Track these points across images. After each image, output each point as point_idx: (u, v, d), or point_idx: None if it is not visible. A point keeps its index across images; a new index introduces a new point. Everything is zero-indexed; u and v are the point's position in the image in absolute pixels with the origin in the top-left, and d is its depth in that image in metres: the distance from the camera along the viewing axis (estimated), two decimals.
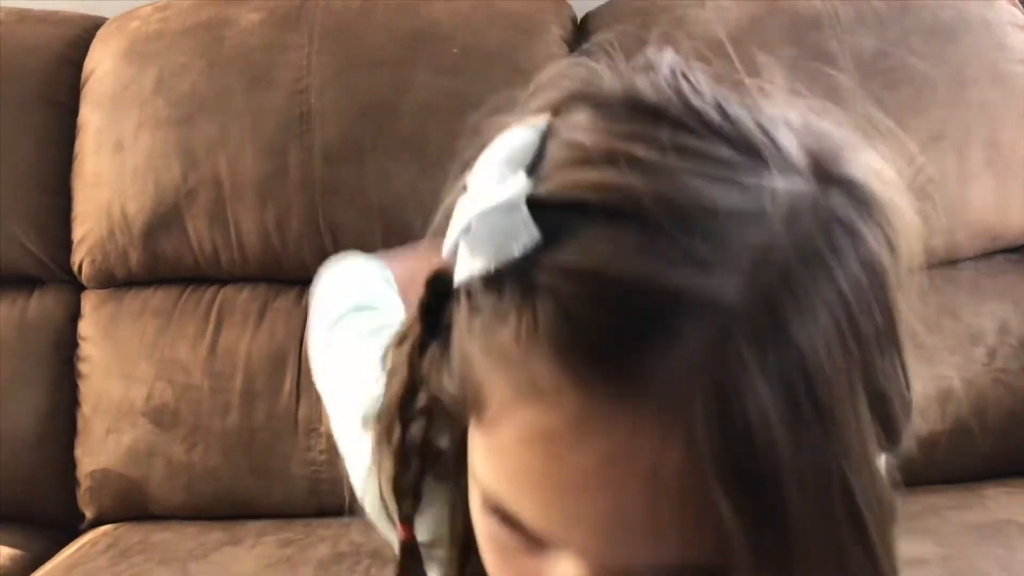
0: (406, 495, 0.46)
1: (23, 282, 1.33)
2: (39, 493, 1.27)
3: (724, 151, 0.35)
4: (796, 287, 0.34)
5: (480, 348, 0.37)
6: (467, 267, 0.37)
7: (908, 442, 0.39)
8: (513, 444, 0.36)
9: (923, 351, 1.37)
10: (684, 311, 0.33)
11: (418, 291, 0.43)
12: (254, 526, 1.17)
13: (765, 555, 0.35)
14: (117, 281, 1.31)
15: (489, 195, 0.36)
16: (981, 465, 1.22)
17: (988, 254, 1.32)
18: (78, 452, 1.26)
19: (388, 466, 0.46)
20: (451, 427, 0.44)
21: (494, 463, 0.38)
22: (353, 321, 0.65)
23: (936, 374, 1.23)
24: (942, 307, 1.28)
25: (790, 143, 0.36)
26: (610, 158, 0.35)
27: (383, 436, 0.46)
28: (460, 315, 0.38)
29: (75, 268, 1.31)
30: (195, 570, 1.07)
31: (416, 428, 0.45)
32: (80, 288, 1.32)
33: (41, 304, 1.32)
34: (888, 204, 0.37)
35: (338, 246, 1.25)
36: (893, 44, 1.29)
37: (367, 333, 0.62)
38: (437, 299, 0.41)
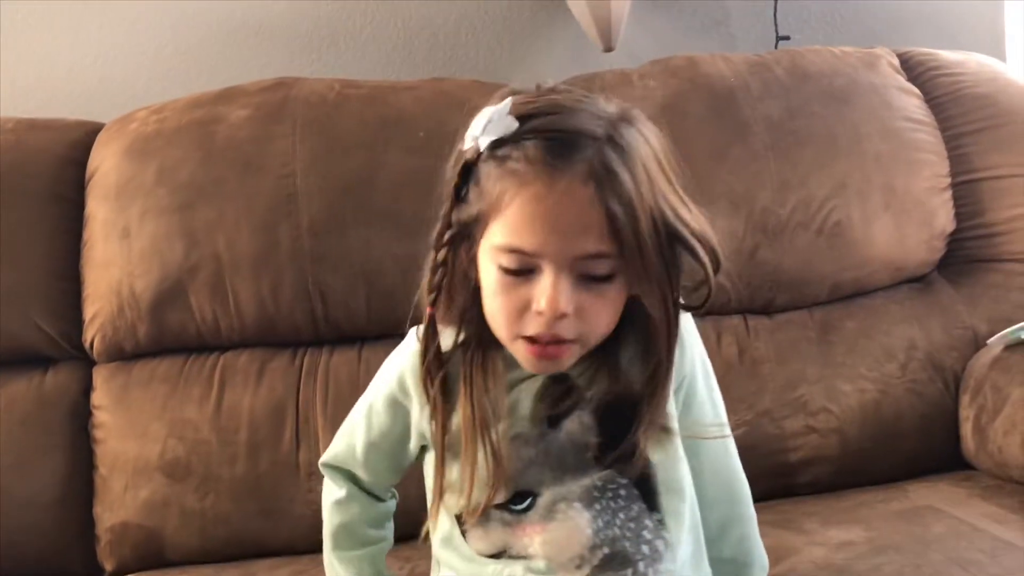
0: (437, 291, 0.86)
1: (39, 360, 1.43)
2: (61, 552, 1.35)
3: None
4: (625, 130, 0.82)
5: (499, 174, 0.80)
6: (486, 141, 0.81)
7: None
8: (519, 209, 0.79)
9: (844, 368, 1.57)
10: (585, 137, 0.80)
11: None
12: (265, 563, 1.28)
13: (635, 241, 0.79)
14: (126, 354, 1.41)
15: (490, 113, 0.82)
16: (904, 465, 1.37)
17: (894, 284, 1.49)
18: (97, 509, 1.35)
19: (428, 276, 0.86)
20: (465, 250, 0.84)
21: (507, 227, 0.80)
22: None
23: (858, 388, 1.41)
24: (858, 331, 1.44)
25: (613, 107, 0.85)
26: (536, 102, 0.83)
27: (429, 260, 0.86)
28: (484, 169, 0.81)
29: (86, 345, 1.42)
30: None
31: (443, 252, 0.85)
32: (91, 363, 1.43)
33: (56, 379, 1.42)
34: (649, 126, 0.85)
35: (327, 308, 1.40)
36: (798, 108, 1.48)
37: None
38: (462, 179, 0.83)
